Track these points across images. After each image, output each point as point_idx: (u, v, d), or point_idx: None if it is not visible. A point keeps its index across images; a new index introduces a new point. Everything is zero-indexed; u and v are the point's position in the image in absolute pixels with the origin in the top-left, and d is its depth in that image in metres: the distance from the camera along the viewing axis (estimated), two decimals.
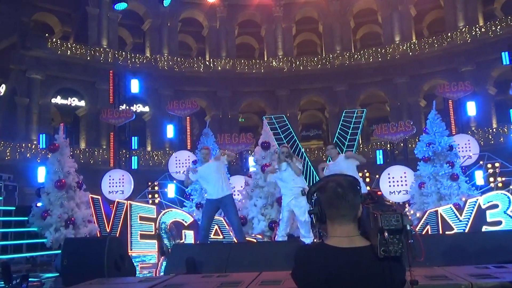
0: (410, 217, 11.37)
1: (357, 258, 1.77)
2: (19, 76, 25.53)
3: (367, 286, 1.75)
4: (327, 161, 9.50)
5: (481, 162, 13.75)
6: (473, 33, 26.84)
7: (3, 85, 25.80)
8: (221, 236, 9.62)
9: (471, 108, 17.60)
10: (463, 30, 27.33)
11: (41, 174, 12.47)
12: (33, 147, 23.91)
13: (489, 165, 13.70)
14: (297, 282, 1.87)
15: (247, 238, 8.97)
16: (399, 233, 1.73)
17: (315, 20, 32.87)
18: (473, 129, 23.92)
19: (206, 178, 7.75)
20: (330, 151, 8.08)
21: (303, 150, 18.24)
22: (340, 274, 1.75)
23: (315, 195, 1.92)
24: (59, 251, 8.00)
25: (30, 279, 6.30)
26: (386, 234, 1.72)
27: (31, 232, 10.26)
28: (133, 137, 19.53)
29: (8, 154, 23.41)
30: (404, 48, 28.94)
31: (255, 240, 9.09)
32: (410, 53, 28.59)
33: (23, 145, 24.04)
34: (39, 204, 10.35)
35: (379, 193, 1.95)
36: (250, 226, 9.95)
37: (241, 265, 5.21)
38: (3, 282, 6.03)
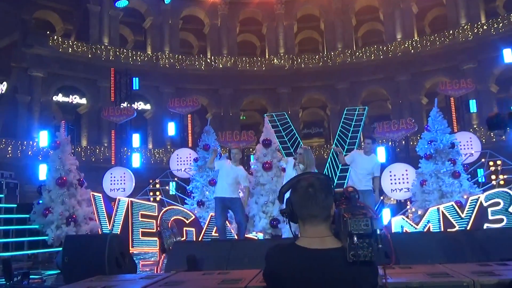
0: (410, 216, 11.35)
1: (327, 260, 1.74)
2: (20, 74, 25.55)
3: None
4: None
5: (482, 160, 13.72)
6: (475, 31, 26.78)
7: (5, 83, 25.82)
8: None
9: (473, 106, 17.57)
10: (465, 27, 27.26)
11: (42, 172, 12.48)
12: (34, 144, 23.94)
13: (491, 163, 13.67)
14: (268, 282, 1.83)
15: (248, 236, 8.99)
16: (368, 238, 1.69)
17: (317, 17, 32.82)
18: (474, 126, 23.89)
19: (227, 175, 7.97)
20: (367, 145, 8.04)
21: None
22: (309, 276, 1.72)
23: (287, 194, 1.90)
24: (60, 249, 8.00)
25: (31, 276, 6.31)
26: (355, 238, 1.69)
27: (32, 230, 10.27)
28: (134, 135, 19.54)
29: (9, 151, 23.44)
30: (406, 45, 28.88)
31: (256, 238, 9.09)
32: (412, 51, 28.54)
33: (25, 142, 24.07)
34: (40, 202, 10.34)
35: (351, 190, 1.91)
36: (251, 223, 9.94)
37: (242, 263, 5.19)
38: (4, 279, 6.04)
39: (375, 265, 1.75)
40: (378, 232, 1.69)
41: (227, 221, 9.20)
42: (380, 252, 1.69)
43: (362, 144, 8.29)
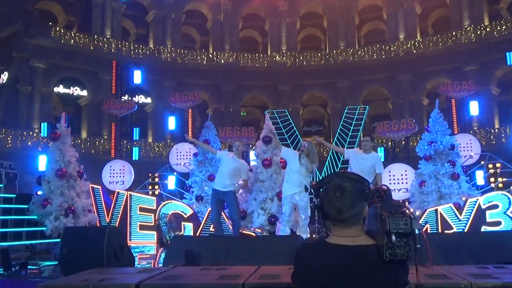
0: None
1: (360, 257, 1.73)
2: (22, 64, 25.51)
3: (369, 286, 1.72)
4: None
5: (482, 162, 13.73)
6: (478, 33, 26.74)
7: (6, 73, 25.79)
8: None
9: (474, 108, 17.56)
10: (468, 29, 27.23)
11: (42, 163, 12.48)
12: (34, 135, 23.93)
13: (490, 165, 13.68)
14: (298, 283, 1.80)
15: (246, 232, 9.00)
16: (406, 237, 1.69)
17: (320, 15, 32.76)
18: (475, 129, 23.89)
19: (226, 166, 7.95)
20: (366, 143, 7.81)
21: None
22: (341, 272, 1.71)
23: (320, 191, 1.87)
24: (59, 240, 8.01)
25: (29, 267, 6.33)
26: (394, 237, 1.68)
27: (31, 220, 10.28)
28: (134, 128, 19.53)
29: (9, 141, 23.43)
30: (408, 45, 28.85)
31: (254, 234, 9.10)
32: (414, 51, 28.50)
33: (25, 133, 24.06)
34: (39, 193, 10.35)
35: (386, 189, 1.90)
36: (249, 220, 9.95)
37: (240, 259, 5.21)
38: (2, 269, 6.05)
39: (407, 264, 1.75)
40: (417, 231, 1.69)
41: (225, 217, 9.22)
42: (419, 252, 1.69)
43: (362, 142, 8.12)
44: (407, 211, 1.74)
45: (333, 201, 1.78)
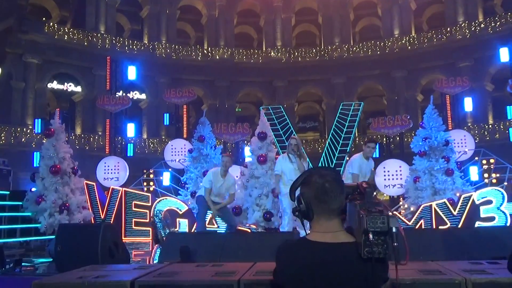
0: (402, 213, 11.41)
1: (340, 254, 1.75)
2: (15, 60, 25.33)
3: (349, 283, 1.73)
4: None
5: (476, 158, 13.81)
6: (472, 29, 26.82)
7: None
8: (215, 226, 9.62)
9: (468, 104, 17.63)
10: (462, 25, 27.30)
11: (36, 159, 12.43)
12: (28, 131, 23.81)
13: (484, 161, 13.76)
14: (280, 280, 1.82)
15: (242, 228, 9.01)
16: (384, 235, 1.70)
17: (315, 11, 32.73)
18: (469, 124, 24.00)
19: (220, 188, 8.00)
20: (371, 150, 7.86)
21: None
22: (323, 270, 1.73)
23: (298, 190, 1.88)
24: (53, 237, 7.99)
25: (23, 264, 6.30)
26: (371, 235, 1.69)
27: (25, 217, 10.22)
28: (129, 124, 19.41)
29: (3, 138, 23.31)
30: (403, 42, 28.89)
31: (249, 230, 9.11)
32: (409, 47, 28.56)
33: (18, 129, 23.93)
34: (33, 189, 10.30)
35: (365, 186, 1.90)
36: (244, 216, 9.97)
37: (236, 255, 5.21)
38: None
39: (387, 261, 1.76)
40: (394, 230, 1.70)
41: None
42: (396, 250, 1.70)
43: (362, 145, 8.25)
44: (385, 209, 1.74)
45: (324, 191, 1.79)
